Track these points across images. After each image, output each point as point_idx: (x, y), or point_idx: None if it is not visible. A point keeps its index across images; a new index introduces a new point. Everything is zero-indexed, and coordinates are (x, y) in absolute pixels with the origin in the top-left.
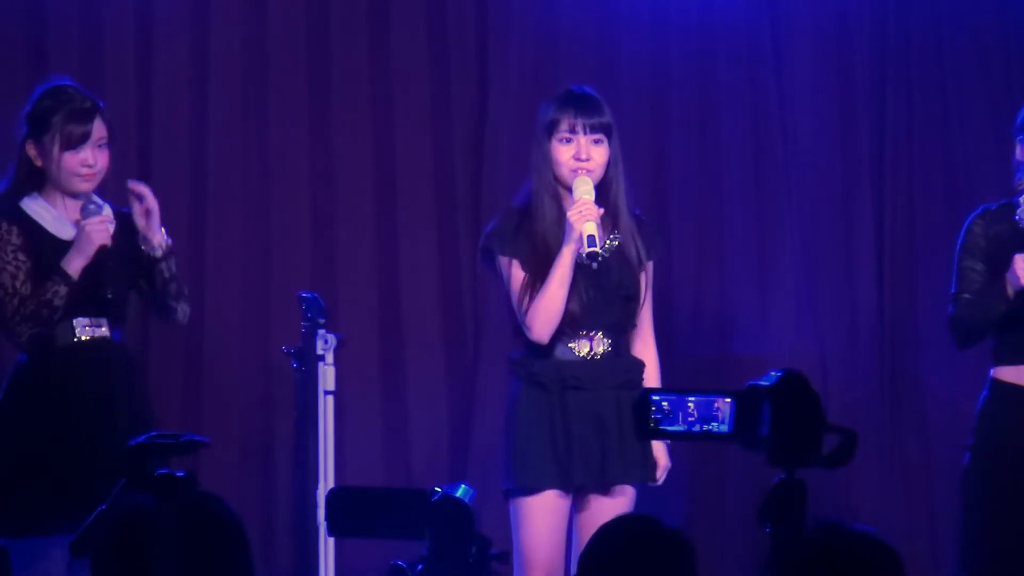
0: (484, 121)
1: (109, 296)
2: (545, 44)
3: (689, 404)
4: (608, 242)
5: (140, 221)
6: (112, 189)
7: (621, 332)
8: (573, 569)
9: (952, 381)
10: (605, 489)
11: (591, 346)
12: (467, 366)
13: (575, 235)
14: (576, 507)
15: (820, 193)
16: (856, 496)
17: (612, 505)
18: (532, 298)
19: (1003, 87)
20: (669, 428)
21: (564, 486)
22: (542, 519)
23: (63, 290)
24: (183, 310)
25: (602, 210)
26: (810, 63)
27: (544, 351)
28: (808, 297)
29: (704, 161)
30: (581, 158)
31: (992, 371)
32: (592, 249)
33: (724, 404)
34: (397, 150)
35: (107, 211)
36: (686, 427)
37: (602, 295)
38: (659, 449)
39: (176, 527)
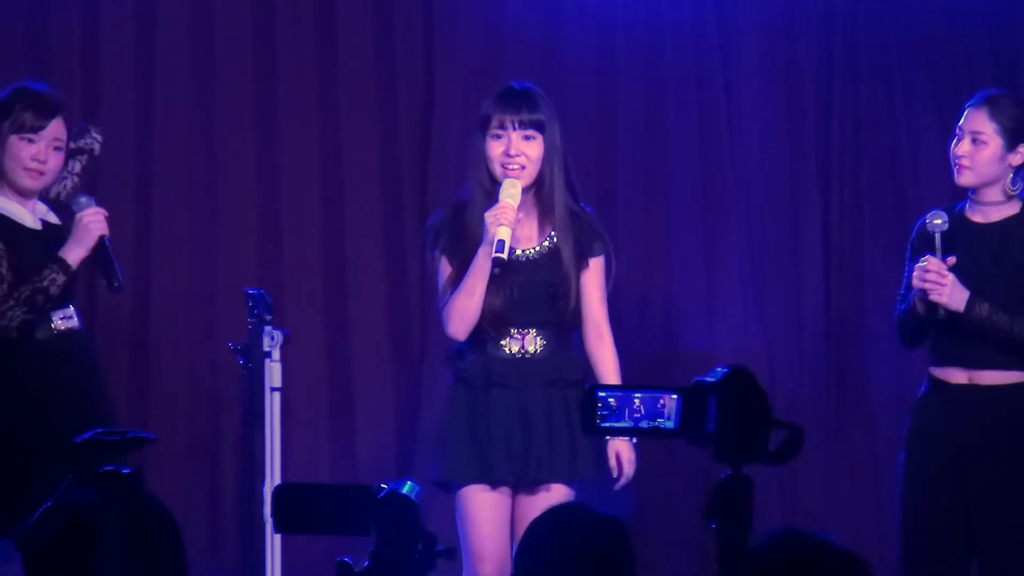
0: (431, 119)
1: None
2: (491, 42)
3: (635, 400)
4: (548, 240)
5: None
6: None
7: (558, 330)
8: None
9: (898, 377)
10: (536, 487)
11: (522, 344)
12: (413, 363)
13: (489, 236)
14: (514, 505)
15: (767, 190)
16: (802, 491)
17: (545, 502)
18: (452, 294)
19: (950, 83)
20: (615, 424)
21: (483, 481)
22: (481, 513)
23: (60, 279)
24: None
25: (521, 214)
26: (757, 61)
27: (475, 348)
28: (754, 293)
29: (651, 159)
30: (511, 154)
31: (929, 368)
32: (497, 255)
33: (670, 400)
34: (344, 147)
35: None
36: (632, 423)
37: (529, 293)
38: (622, 447)
39: (117, 523)
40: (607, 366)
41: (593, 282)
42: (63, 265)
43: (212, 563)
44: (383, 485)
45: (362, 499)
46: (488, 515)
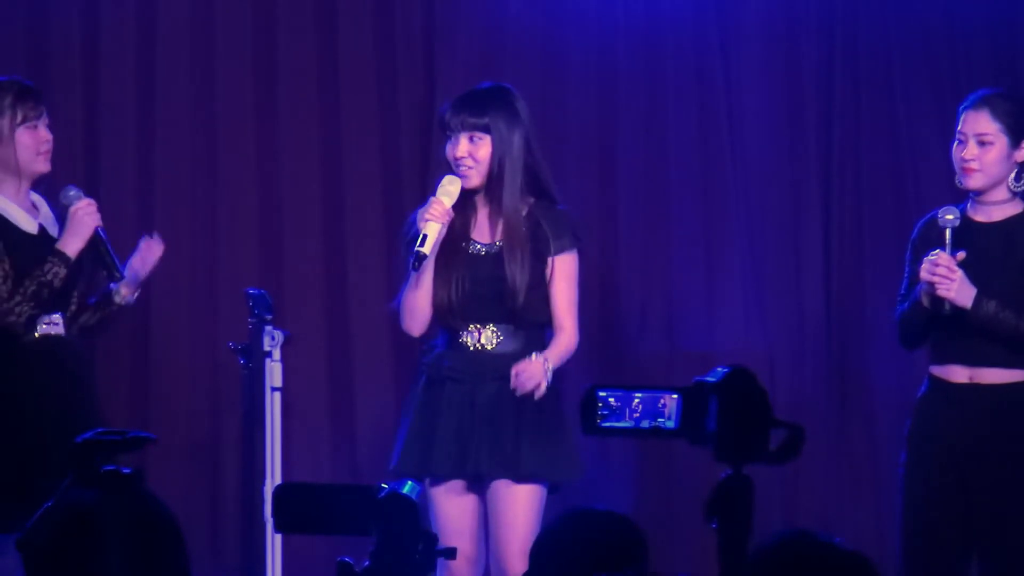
0: (431, 120)
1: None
2: (492, 42)
3: (635, 400)
4: (501, 238)
5: (137, 266)
6: (61, 186)
7: (518, 326)
8: (495, 561)
9: (898, 377)
10: (498, 482)
11: (478, 338)
12: (414, 363)
13: (416, 231)
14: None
15: (768, 190)
16: (802, 491)
17: (510, 497)
18: (402, 288)
19: (950, 84)
20: (616, 424)
21: (425, 474)
22: (443, 507)
23: (62, 271)
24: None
25: (452, 213)
26: (758, 61)
27: (438, 342)
28: (755, 293)
29: (651, 159)
30: (456, 155)
31: (929, 367)
32: (418, 249)
33: (671, 400)
34: (344, 147)
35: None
36: (633, 423)
37: (479, 289)
38: (527, 363)
39: (118, 523)
40: (556, 347)
41: (554, 280)
42: (63, 257)
43: (213, 563)
44: (383, 485)
45: (362, 499)
46: (448, 511)
